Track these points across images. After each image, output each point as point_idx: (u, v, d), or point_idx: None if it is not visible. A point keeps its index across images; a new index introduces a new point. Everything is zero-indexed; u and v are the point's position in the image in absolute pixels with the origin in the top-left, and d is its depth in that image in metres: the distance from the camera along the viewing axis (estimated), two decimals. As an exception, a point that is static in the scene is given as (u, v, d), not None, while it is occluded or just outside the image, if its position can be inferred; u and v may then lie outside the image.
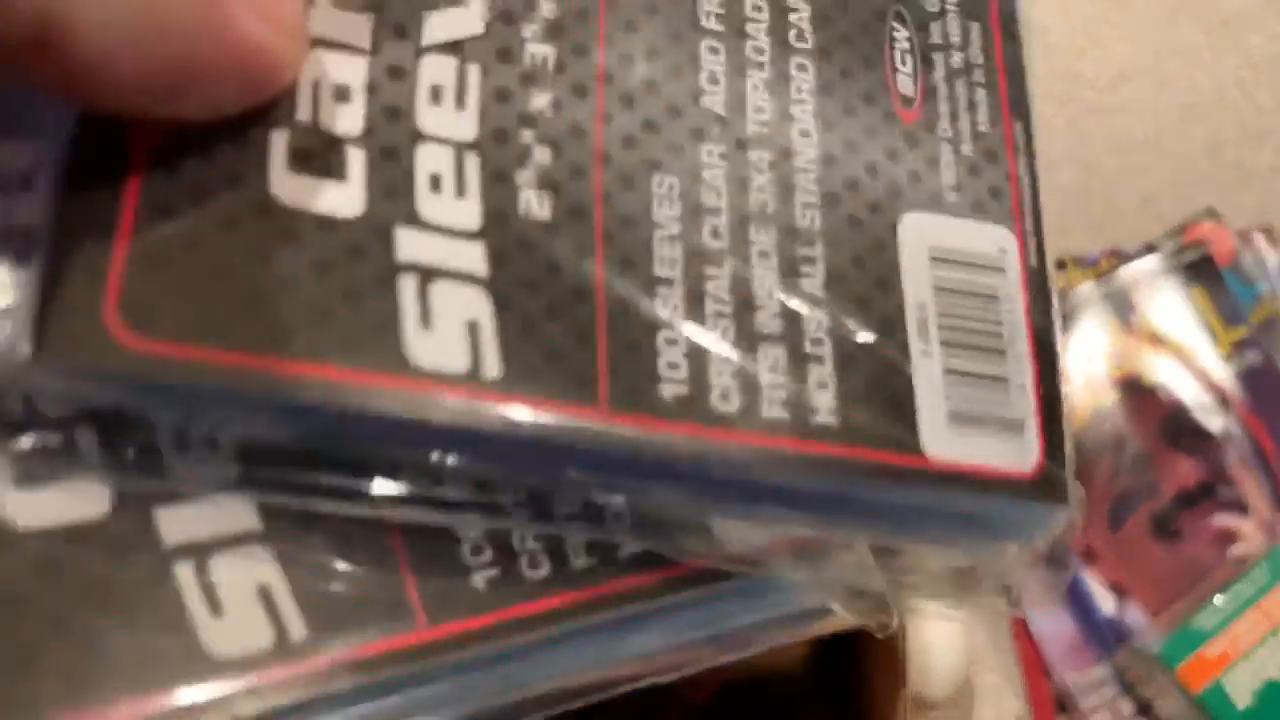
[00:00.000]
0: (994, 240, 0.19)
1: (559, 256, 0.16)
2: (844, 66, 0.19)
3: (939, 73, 0.20)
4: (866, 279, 0.18)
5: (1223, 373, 0.58)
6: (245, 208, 0.14)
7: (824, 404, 0.17)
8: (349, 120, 0.15)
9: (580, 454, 0.15)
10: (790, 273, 0.18)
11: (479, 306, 0.15)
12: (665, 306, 0.17)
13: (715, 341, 0.17)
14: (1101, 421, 0.57)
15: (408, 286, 0.15)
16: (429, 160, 0.16)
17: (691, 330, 0.17)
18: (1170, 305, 0.59)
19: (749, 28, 0.18)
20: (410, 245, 0.15)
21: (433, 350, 0.15)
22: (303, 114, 0.15)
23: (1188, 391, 0.58)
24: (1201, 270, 0.60)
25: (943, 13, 0.20)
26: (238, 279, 0.14)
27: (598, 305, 0.16)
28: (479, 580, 0.16)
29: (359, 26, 0.16)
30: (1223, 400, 0.58)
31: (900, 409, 0.17)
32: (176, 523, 0.15)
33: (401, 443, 0.15)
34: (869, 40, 0.19)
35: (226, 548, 0.15)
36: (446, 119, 0.16)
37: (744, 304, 0.17)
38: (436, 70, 0.16)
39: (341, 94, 0.16)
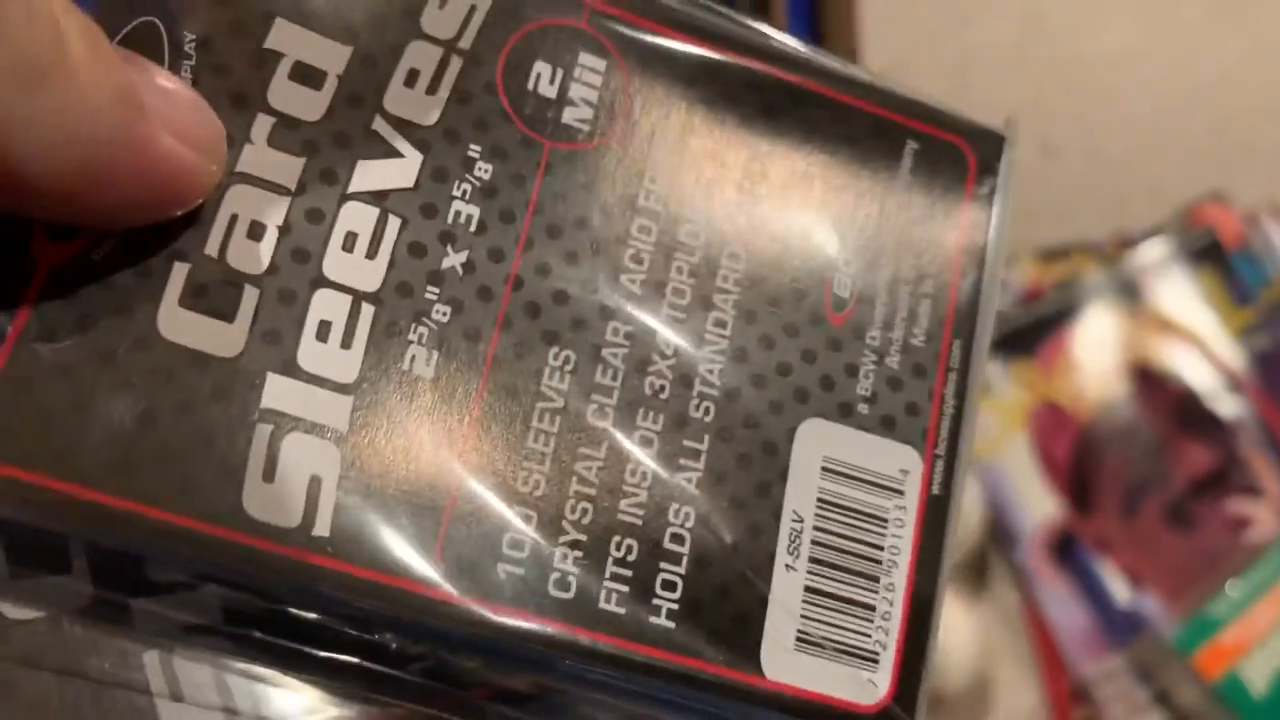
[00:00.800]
0: (897, 460, 0.18)
1: (427, 418, 0.16)
2: (780, 259, 0.18)
3: (884, 276, 0.19)
4: (748, 481, 0.17)
5: (1234, 356, 0.58)
6: (125, 340, 0.15)
7: (666, 606, 0.16)
8: (254, 258, 0.16)
9: (402, 624, 0.15)
10: (669, 464, 0.17)
11: (327, 463, 0.15)
12: (526, 482, 0.16)
13: (569, 524, 0.16)
14: (1112, 410, 0.57)
15: (261, 436, 0.15)
16: (323, 307, 0.16)
17: (547, 509, 0.16)
18: (1179, 290, 0.59)
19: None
20: (277, 394, 0.15)
21: (268, 504, 0.15)
22: (211, 248, 0.15)
23: (1198, 377, 0.57)
24: (1209, 253, 0.59)
25: (906, 217, 0.19)
26: (98, 412, 0.14)
27: (453, 471, 0.16)
28: None
29: (289, 167, 0.16)
30: (1234, 384, 0.58)
31: (745, 623, 0.17)
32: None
33: (233, 589, 0.15)
34: (814, 233, 0.19)
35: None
36: (353, 267, 0.16)
37: (610, 489, 0.17)
38: (356, 218, 0.16)
39: (255, 232, 0.16)
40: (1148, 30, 0.64)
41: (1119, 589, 0.54)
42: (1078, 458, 0.56)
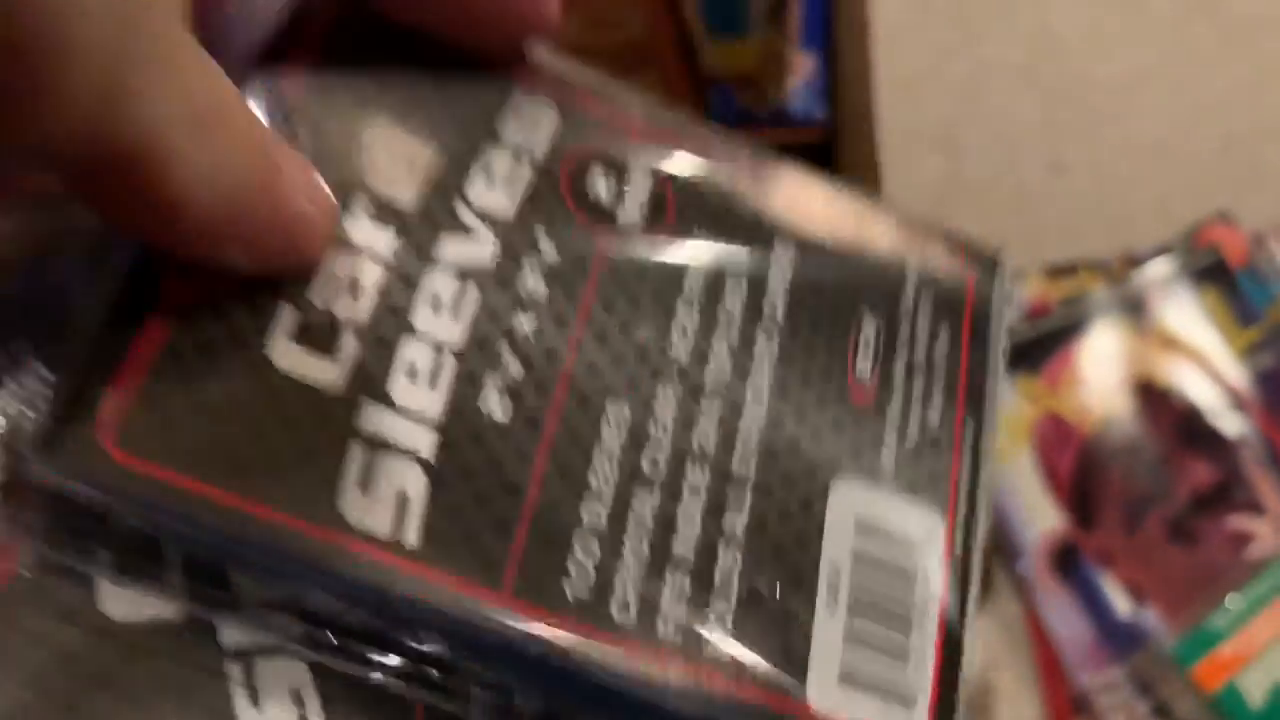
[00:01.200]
0: (922, 522, 0.20)
1: (502, 455, 0.18)
2: (807, 344, 0.21)
3: (899, 364, 0.21)
4: (788, 532, 0.19)
5: (1237, 375, 0.58)
6: (243, 365, 0.17)
7: (718, 637, 0.18)
8: (354, 310, 0.18)
9: (470, 632, 0.17)
10: (716, 511, 0.19)
11: (415, 482, 0.17)
12: (589, 513, 0.18)
13: (628, 555, 0.18)
14: (1116, 425, 0.57)
15: (357, 452, 0.17)
16: (412, 353, 0.18)
17: (608, 540, 0.18)
18: (1184, 308, 0.59)
19: (726, 297, 0.21)
20: (372, 419, 0.17)
21: (363, 510, 0.17)
22: (316, 297, 0.18)
23: (1202, 394, 0.58)
24: (1215, 273, 0.60)
25: (915, 311, 0.22)
26: (218, 422, 0.17)
27: (526, 502, 0.18)
28: None
29: (387, 240, 0.19)
30: (1237, 402, 0.58)
31: (793, 658, 0.18)
32: (232, 630, 0.17)
33: (320, 587, 0.17)
34: (836, 324, 0.21)
35: (270, 655, 0.17)
36: (439, 324, 0.19)
37: (664, 529, 0.19)
38: (440, 285, 0.19)
39: (354, 288, 0.18)
40: (1157, 51, 0.65)
41: (1120, 601, 0.55)
42: (1081, 471, 0.57)
